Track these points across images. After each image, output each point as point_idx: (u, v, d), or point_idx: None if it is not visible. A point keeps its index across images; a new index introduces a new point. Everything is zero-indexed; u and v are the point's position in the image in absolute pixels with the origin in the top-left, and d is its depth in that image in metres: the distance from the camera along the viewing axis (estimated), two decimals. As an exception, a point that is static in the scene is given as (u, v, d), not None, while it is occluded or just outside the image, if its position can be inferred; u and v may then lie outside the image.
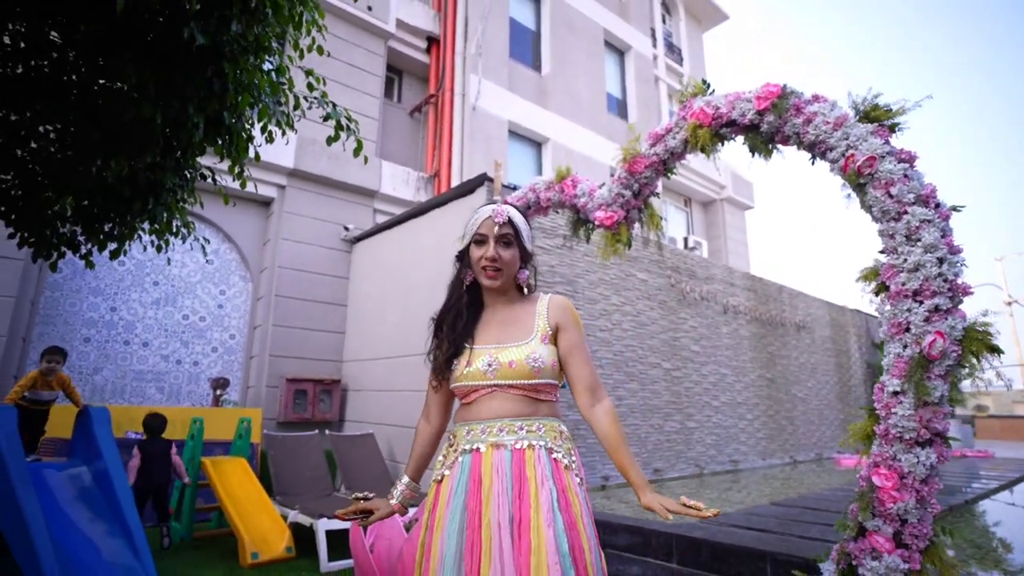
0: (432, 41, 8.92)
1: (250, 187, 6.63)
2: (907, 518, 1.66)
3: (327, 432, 5.41)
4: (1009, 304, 22.10)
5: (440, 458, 1.38)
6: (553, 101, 9.58)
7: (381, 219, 7.41)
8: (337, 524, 3.70)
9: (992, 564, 2.75)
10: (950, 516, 3.99)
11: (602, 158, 9.45)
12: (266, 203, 7.00)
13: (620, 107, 11.33)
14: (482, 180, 5.13)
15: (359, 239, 7.09)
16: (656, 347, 6.37)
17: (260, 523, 3.86)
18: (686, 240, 10.08)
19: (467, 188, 5.33)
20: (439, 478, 1.33)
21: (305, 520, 3.82)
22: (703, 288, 7.20)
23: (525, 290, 1.45)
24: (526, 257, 1.43)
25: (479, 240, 1.37)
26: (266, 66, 2.37)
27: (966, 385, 1.80)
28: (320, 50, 2.38)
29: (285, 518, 3.97)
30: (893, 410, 1.72)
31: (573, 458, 1.30)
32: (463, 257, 1.43)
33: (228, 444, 4.86)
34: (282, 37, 2.19)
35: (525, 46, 9.71)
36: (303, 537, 3.92)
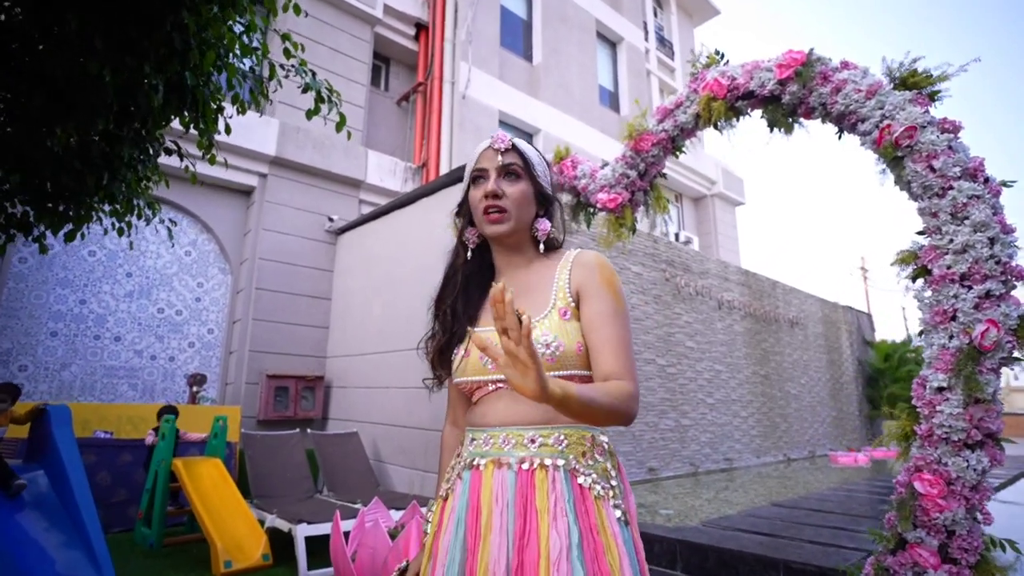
0: (420, 28, 8.65)
1: (230, 175, 6.38)
2: (955, 529, 1.49)
3: (309, 431, 5.16)
4: None
5: (448, 469, 1.09)
6: (545, 92, 9.37)
7: (367, 210, 7.15)
8: (317, 530, 3.47)
9: None
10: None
11: (594, 150, 9.25)
12: (247, 192, 6.70)
13: (612, 100, 11.15)
14: (473, 168, 4.91)
15: (344, 230, 6.82)
16: (651, 343, 6.20)
17: (235, 529, 3.62)
18: (677, 235, 9.94)
19: (456, 176, 5.10)
20: (444, 495, 1.04)
21: (283, 525, 3.58)
22: (698, 283, 7.05)
23: (543, 248, 1.08)
24: (546, 200, 1.08)
25: (477, 177, 1.05)
26: (237, 28, 2.12)
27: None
28: (296, 9, 2.14)
29: (262, 523, 3.72)
30: (938, 408, 1.54)
31: (612, 482, 0.95)
32: (463, 209, 1.11)
33: (205, 444, 4.59)
34: (251, -11, 1.95)
35: (516, 35, 9.48)
36: (281, 543, 3.68)
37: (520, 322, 0.69)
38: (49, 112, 1.91)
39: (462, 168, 5.06)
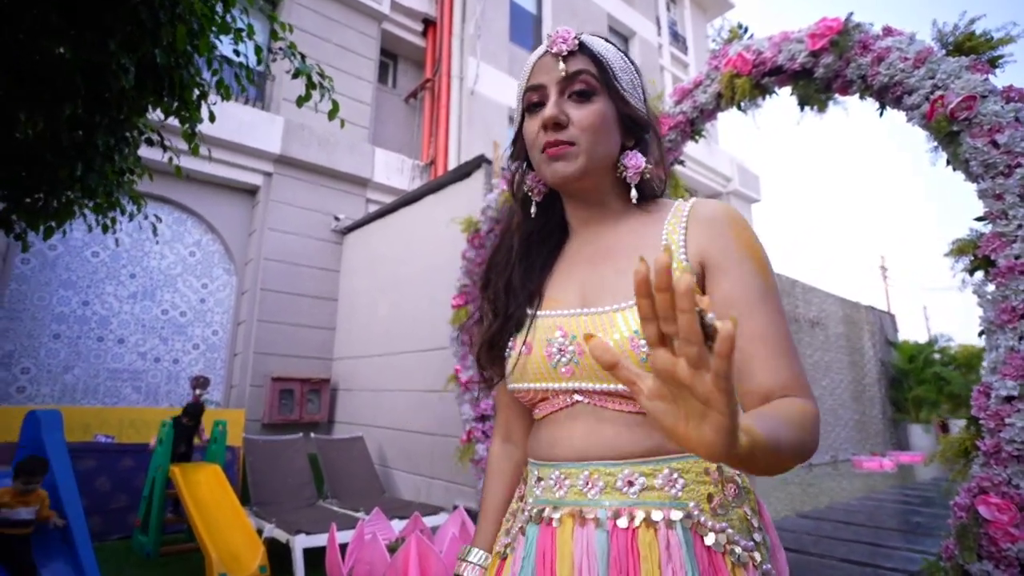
0: (428, 24, 8.51)
1: (235, 174, 6.28)
2: (1029, 562, 1.27)
3: (312, 435, 5.02)
4: None
5: (508, 515, 0.79)
6: (555, 87, 9.17)
7: (374, 209, 7.02)
8: (315, 541, 3.31)
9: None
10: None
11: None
12: (251, 191, 6.60)
13: (624, 95, 10.92)
14: (479, 162, 4.74)
15: (350, 229, 6.69)
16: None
17: (231, 538, 3.47)
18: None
19: (464, 171, 4.93)
20: (502, 552, 0.74)
21: (281, 536, 3.44)
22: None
23: (636, 195, 0.74)
24: (637, 124, 0.75)
25: (534, 101, 0.73)
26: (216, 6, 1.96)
27: None
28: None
29: (260, 532, 3.58)
30: (1008, 420, 1.32)
31: (756, 536, 0.65)
32: (517, 145, 0.80)
33: (202, 449, 4.47)
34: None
35: (526, 30, 9.30)
36: (279, 553, 3.54)
37: (705, 323, 0.37)
38: (12, 97, 1.76)
39: (467, 164, 4.90)
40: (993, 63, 1.52)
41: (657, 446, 0.65)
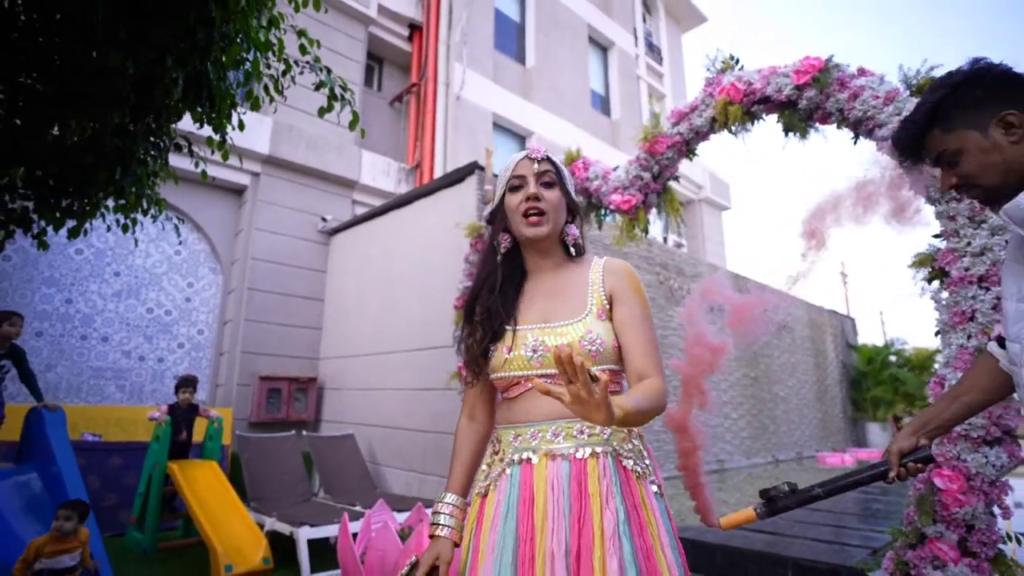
0: (414, 28, 8.63)
1: (222, 173, 6.28)
2: (974, 524, 1.53)
3: (304, 433, 5.10)
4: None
5: (484, 467, 1.13)
6: (537, 94, 9.41)
7: (360, 210, 7.10)
8: (319, 532, 3.43)
9: None
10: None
11: (586, 154, 9.31)
12: (238, 191, 6.61)
13: (603, 103, 11.23)
14: (472, 168, 4.91)
15: (337, 231, 6.76)
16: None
17: (234, 532, 3.55)
18: (665, 239, 10.05)
19: (456, 177, 5.09)
20: (483, 491, 1.08)
21: (284, 528, 3.53)
22: (690, 286, 7.12)
23: (574, 252, 1.18)
24: (573, 209, 1.18)
25: (515, 185, 1.13)
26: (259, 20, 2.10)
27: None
28: (317, 4, 2.13)
29: (261, 526, 3.66)
30: (958, 406, 1.58)
31: (647, 461, 1.06)
32: (494, 219, 1.19)
33: (197, 447, 4.50)
34: (275, -17, 1.93)
35: (509, 38, 9.51)
36: (279, 547, 3.63)
37: (591, 377, 0.74)
38: (62, 104, 1.87)
39: (460, 170, 5.07)
40: (948, 104, 1.79)
41: None
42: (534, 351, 1.06)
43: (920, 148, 1.04)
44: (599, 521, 0.95)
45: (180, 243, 6.21)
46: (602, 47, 11.52)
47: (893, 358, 10.73)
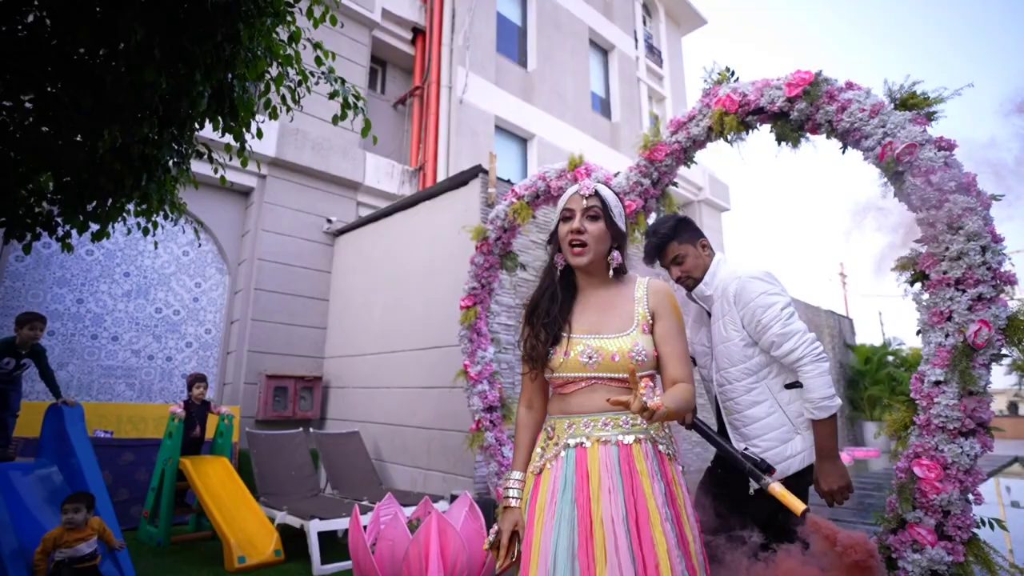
0: (417, 32, 8.75)
1: (230, 175, 6.39)
2: (950, 509, 1.64)
3: (311, 430, 5.21)
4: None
5: (539, 450, 1.32)
6: (539, 97, 9.52)
7: (364, 212, 7.22)
8: (328, 525, 3.54)
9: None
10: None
11: (587, 156, 9.42)
12: (245, 193, 6.72)
13: (603, 106, 11.35)
14: (476, 172, 5.02)
15: (342, 232, 6.88)
16: (645, 344, 6.36)
17: (246, 525, 3.67)
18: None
19: (460, 180, 5.21)
20: (536, 470, 1.28)
21: (295, 521, 3.64)
22: (689, 286, 7.24)
23: (616, 273, 1.36)
24: (619, 237, 1.34)
25: (566, 216, 1.32)
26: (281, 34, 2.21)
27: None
28: (333, 20, 2.24)
29: (272, 520, 3.78)
30: (936, 400, 1.70)
31: (674, 446, 1.29)
32: (554, 239, 1.38)
33: (208, 443, 4.61)
34: (297, 1, 2.04)
35: (511, 41, 9.63)
36: (289, 540, 3.74)
37: (647, 405, 1.02)
38: (96, 115, 1.98)
39: (463, 173, 5.19)
40: (929, 117, 1.89)
41: None
42: (589, 358, 1.25)
43: (662, 253, 2.01)
44: (651, 494, 1.16)
45: (199, 245, 6.35)
46: (603, 50, 11.64)
47: (890, 358, 10.85)
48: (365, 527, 2.97)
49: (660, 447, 1.24)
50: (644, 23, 13.87)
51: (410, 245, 5.70)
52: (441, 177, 7.73)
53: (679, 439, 1.35)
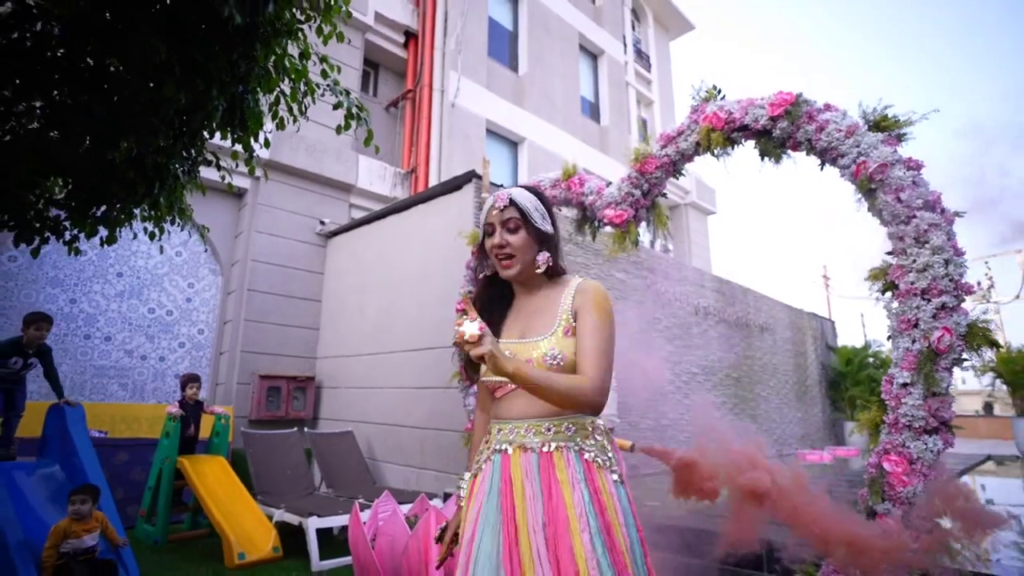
0: (410, 36, 8.82)
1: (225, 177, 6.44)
2: (915, 501, 1.78)
3: (305, 430, 5.28)
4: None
5: (480, 452, 1.34)
6: (529, 101, 9.64)
7: (357, 214, 7.28)
8: (326, 523, 3.62)
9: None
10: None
11: (576, 160, 9.56)
12: (239, 194, 6.75)
13: (593, 110, 11.51)
14: (470, 177, 5.13)
15: (335, 234, 6.94)
16: (633, 347, 6.51)
17: (244, 523, 3.74)
18: (652, 243, 10.34)
19: (454, 184, 5.31)
20: (475, 472, 1.30)
21: (293, 519, 3.73)
22: (676, 289, 7.41)
23: (553, 275, 1.33)
24: (543, 238, 1.30)
25: (488, 232, 1.31)
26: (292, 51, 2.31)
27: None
28: (340, 37, 2.34)
29: (270, 518, 3.85)
30: (903, 400, 1.84)
31: (609, 455, 1.22)
32: (482, 251, 1.36)
33: (202, 443, 4.66)
34: (308, 21, 2.14)
35: (502, 45, 9.74)
36: (286, 537, 3.82)
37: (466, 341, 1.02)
38: (111, 125, 2.06)
39: (457, 178, 5.30)
40: (900, 138, 2.05)
41: (561, 411, 1.19)
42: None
43: None
44: (571, 503, 1.13)
45: (206, 250, 6.40)
46: (592, 55, 11.80)
47: (871, 359, 11.13)
48: (364, 523, 3.07)
49: (586, 456, 1.19)
50: (633, 28, 14.07)
51: (403, 248, 5.79)
52: (433, 180, 7.82)
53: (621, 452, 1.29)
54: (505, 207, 1.27)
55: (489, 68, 9.09)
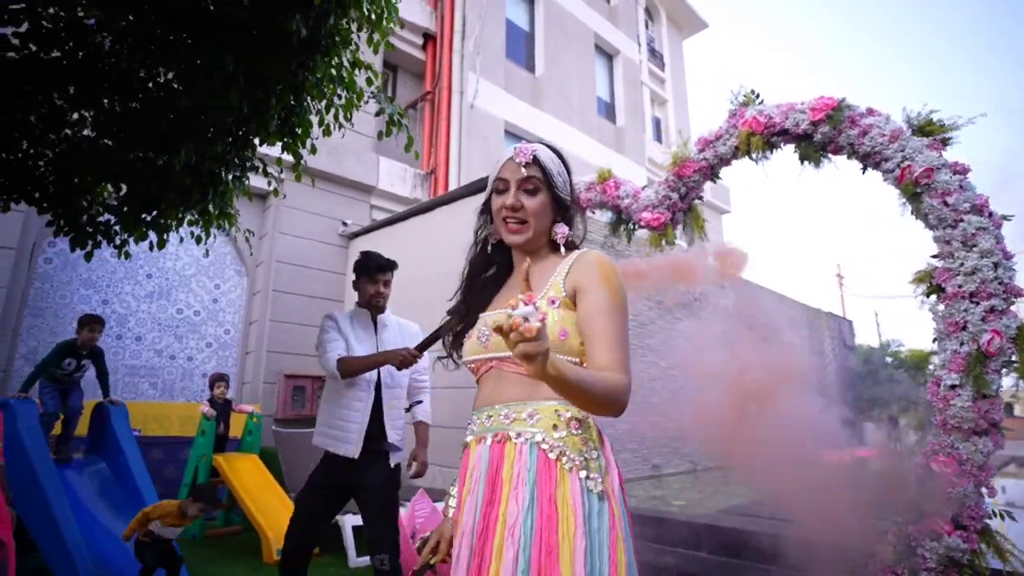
0: (428, 38, 8.88)
1: (252, 180, 6.54)
2: (966, 502, 1.81)
3: (332, 429, 5.35)
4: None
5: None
6: (547, 102, 9.68)
7: (378, 215, 7.36)
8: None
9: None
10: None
11: (593, 160, 9.59)
12: (263, 196, 6.85)
13: (608, 110, 11.52)
14: (495, 179, 5.17)
15: (357, 235, 7.02)
16: (654, 346, 6.53)
17: (281, 520, 3.80)
18: (688, 245, 10.33)
19: (477, 187, 5.36)
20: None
21: (328, 516, 3.79)
22: (696, 289, 7.42)
23: (563, 250, 1.10)
24: (565, 207, 1.10)
25: (500, 188, 1.09)
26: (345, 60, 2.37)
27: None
28: (389, 45, 2.40)
29: (305, 515, 3.92)
30: (951, 402, 1.86)
31: (587, 455, 0.96)
32: (486, 210, 1.16)
33: (235, 441, 4.75)
34: (360, 30, 2.20)
35: (520, 47, 9.78)
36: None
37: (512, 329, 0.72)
38: (169, 136, 2.13)
39: (481, 180, 5.34)
40: (945, 143, 2.07)
41: (528, 395, 1.00)
42: (479, 336, 1.06)
43: None
44: (504, 507, 0.92)
45: (251, 254, 6.53)
46: (607, 55, 11.80)
47: (889, 360, 11.07)
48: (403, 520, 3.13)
49: (550, 455, 0.94)
50: (647, 27, 14.05)
51: (426, 249, 5.85)
52: (452, 181, 7.88)
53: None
54: (527, 163, 1.06)
55: (507, 69, 9.14)
